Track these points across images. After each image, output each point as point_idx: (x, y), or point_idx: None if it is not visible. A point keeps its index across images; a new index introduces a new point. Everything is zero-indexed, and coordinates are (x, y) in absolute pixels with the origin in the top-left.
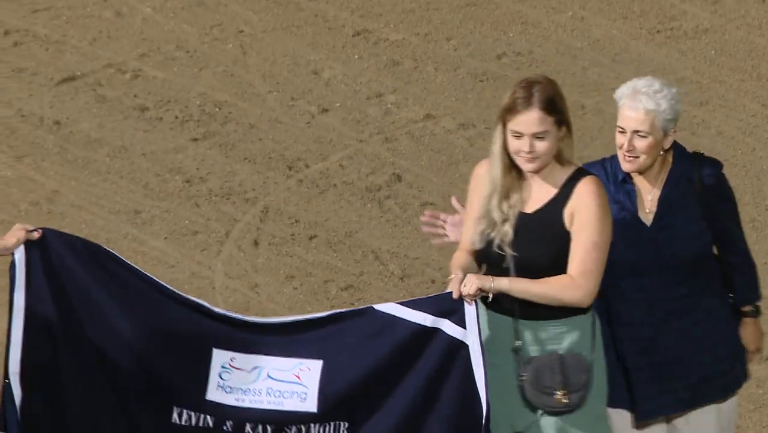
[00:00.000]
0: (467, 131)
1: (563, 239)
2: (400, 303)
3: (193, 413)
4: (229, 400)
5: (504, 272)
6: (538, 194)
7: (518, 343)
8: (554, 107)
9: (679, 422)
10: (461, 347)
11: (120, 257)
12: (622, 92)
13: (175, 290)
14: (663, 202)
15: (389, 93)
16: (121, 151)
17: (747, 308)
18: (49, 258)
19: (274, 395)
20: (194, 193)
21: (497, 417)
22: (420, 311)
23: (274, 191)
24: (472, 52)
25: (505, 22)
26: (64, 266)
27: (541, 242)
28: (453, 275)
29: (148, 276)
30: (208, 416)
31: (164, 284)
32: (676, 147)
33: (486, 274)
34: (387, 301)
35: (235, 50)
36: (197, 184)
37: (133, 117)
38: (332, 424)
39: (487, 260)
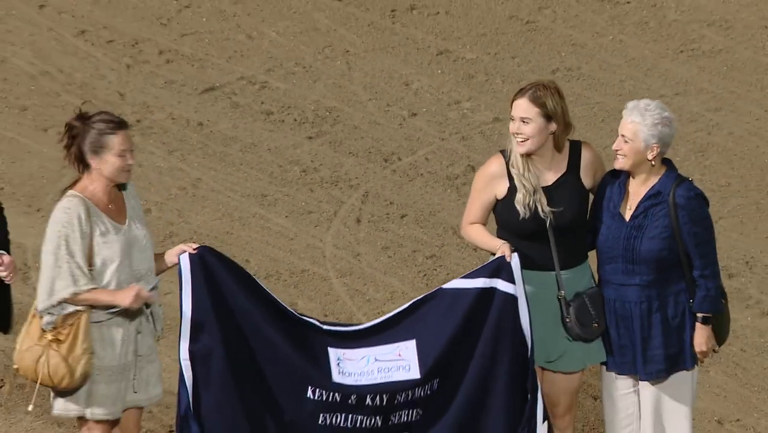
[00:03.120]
0: None
1: (584, 199)
2: (461, 277)
3: (324, 391)
4: (349, 381)
5: (545, 232)
6: (551, 170)
7: (563, 292)
8: (542, 102)
9: (643, 385)
10: (512, 299)
11: (249, 273)
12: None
13: (290, 309)
14: (640, 205)
15: (465, 100)
16: (251, 147)
17: (699, 315)
18: (207, 267)
19: (384, 372)
20: (309, 181)
21: (536, 351)
22: (477, 277)
23: (372, 179)
24: (532, 68)
25: (559, 44)
26: (218, 274)
27: (566, 203)
28: (501, 244)
29: (270, 293)
30: (336, 393)
31: (282, 302)
32: (670, 168)
33: (530, 236)
34: (463, 267)
35: (342, 66)
36: (311, 174)
37: (261, 120)
38: (428, 384)
39: (533, 224)
